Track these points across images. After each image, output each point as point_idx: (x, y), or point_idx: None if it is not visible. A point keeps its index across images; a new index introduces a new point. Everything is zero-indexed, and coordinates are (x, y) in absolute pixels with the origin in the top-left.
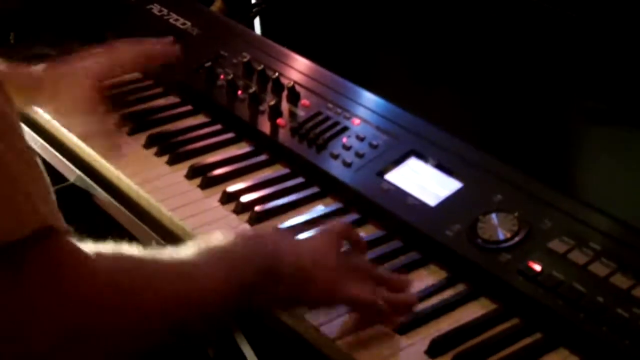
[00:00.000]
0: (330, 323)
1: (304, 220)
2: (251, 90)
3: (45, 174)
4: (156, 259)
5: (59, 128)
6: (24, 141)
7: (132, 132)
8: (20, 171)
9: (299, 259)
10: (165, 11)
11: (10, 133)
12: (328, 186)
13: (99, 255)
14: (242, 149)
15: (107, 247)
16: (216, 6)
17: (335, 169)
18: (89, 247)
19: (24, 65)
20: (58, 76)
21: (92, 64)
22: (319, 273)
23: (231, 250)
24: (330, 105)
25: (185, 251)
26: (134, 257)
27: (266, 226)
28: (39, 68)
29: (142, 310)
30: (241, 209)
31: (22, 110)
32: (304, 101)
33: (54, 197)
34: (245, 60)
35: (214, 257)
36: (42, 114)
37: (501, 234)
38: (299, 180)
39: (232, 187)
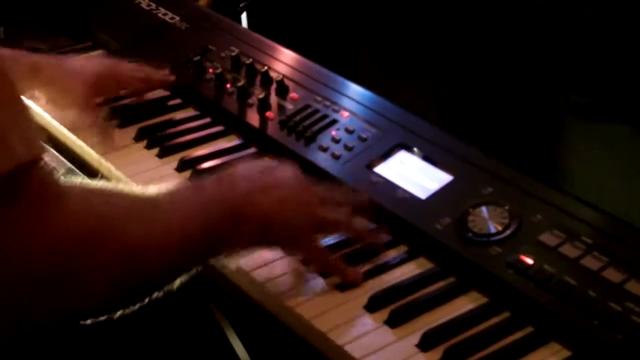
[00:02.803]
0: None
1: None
2: (240, 84)
3: (25, 107)
4: (123, 196)
5: (50, 120)
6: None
7: (122, 125)
8: None
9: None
10: (153, 5)
11: None
12: (317, 179)
13: (71, 193)
14: (232, 142)
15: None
16: (204, 0)
17: (324, 161)
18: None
19: (24, 52)
20: (56, 66)
21: (92, 63)
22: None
23: (198, 191)
24: (318, 98)
25: (153, 189)
26: (104, 196)
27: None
28: (37, 56)
29: (105, 252)
30: None
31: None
32: (293, 94)
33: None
34: (233, 54)
35: (179, 197)
36: (32, 108)
37: (492, 227)
38: None
39: None
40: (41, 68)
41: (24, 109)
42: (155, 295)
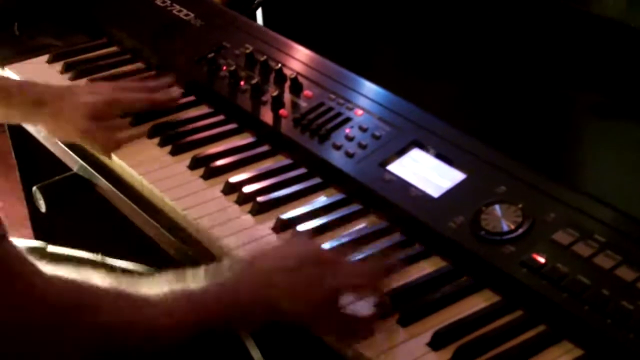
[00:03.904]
0: None
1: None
2: (254, 81)
3: None
4: (115, 290)
5: None
6: None
7: (135, 123)
8: None
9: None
10: (168, 2)
11: None
12: (330, 177)
13: (52, 277)
14: (245, 139)
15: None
16: None
17: (337, 159)
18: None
19: (31, 82)
20: (59, 99)
21: (95, 95)
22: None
23: (199, 297)
24: (332, 96)
25: (155, 285)
26: (81, 282)
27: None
28: (43, 88)
29: (79, 334)
30: (243, 199)
31: (21, 124)
32: (307, 92)
33: None
34: (247, 51)
35: (177, 299)
36: None
37: (505, 226)
38: (302, 171)
39: (235, 178)
40: (45, 102)
41: None
42: None
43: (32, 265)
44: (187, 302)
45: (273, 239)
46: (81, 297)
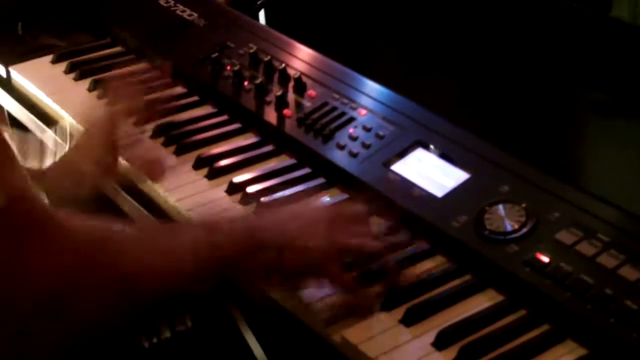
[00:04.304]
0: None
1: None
2: (257, 81)
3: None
4: (129, 231)
5: (68, 117)
6: None
7: (139, 123)
8: None
9: (283, 229)
10: (171, 2)
11: None
12: (334, 177)
13: (71, 224)
14: (249, 139)
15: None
16: None
17: (341, 159)
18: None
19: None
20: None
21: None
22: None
23: (210, 225)
24: (336, 96)
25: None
26: (107, 228)
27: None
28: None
29: (102, 275)
30: (247, 199)
31: None
32: (310, 92)
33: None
34: (251, 51)
35: (190, 228)
36: (51, 105)
37: (508, 225)
38: (305, 171)
39: (239, 178)
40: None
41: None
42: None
43: (55, 214)
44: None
45: None
46: (105, 241)
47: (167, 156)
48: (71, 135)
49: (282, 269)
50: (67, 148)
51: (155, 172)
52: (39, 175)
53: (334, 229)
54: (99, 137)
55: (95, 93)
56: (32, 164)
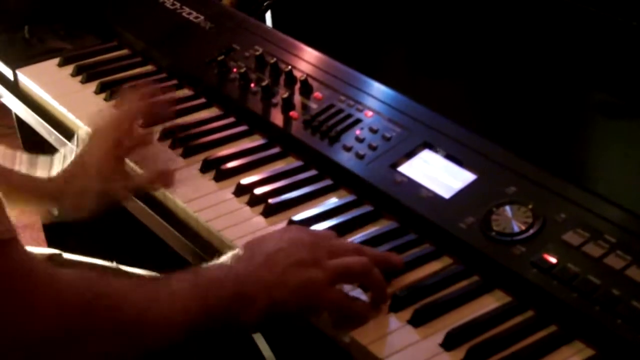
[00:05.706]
0: None
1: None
2: (264, 83)
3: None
4: (123, 273)
5: (75, 121)
6: None
7: (145, 125)
8: None
9: (264, 274)
10: (177, 5)
11: None
12: (341, 178)
13: (61, 270)
14: (255, 141)
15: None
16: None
17: (348, 161)
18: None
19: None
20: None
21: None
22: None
23: (197, 275)
24: (342, 98)
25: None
26: (100, 276)
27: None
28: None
29: (100, 326)
30: (255, 201)
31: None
32: (317, 94)
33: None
34: (257, 53)
35: (183, 283)
36: (58, 108)
37: (515, 226)
38: (312, 172)
39: (246, 180)
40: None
41: None
42: None
43: (44, 265)
44: (192, 288)
45: None
46: (96, 294)
47: (175, 158)
48: (79, 139)
49: (284, 312)
50: (75, 153)
51: (167, 182)
52: (45, 183)
53: (317, 254)
54: (106, 139)
55: (102, 96)
56: (40, 173)
